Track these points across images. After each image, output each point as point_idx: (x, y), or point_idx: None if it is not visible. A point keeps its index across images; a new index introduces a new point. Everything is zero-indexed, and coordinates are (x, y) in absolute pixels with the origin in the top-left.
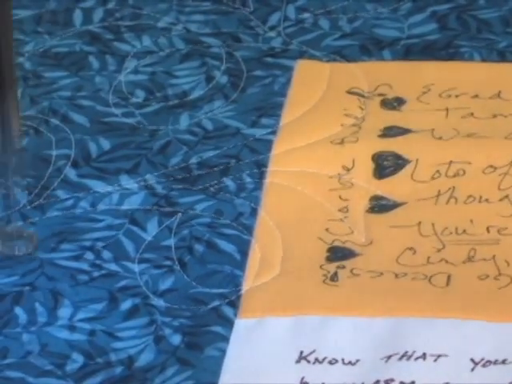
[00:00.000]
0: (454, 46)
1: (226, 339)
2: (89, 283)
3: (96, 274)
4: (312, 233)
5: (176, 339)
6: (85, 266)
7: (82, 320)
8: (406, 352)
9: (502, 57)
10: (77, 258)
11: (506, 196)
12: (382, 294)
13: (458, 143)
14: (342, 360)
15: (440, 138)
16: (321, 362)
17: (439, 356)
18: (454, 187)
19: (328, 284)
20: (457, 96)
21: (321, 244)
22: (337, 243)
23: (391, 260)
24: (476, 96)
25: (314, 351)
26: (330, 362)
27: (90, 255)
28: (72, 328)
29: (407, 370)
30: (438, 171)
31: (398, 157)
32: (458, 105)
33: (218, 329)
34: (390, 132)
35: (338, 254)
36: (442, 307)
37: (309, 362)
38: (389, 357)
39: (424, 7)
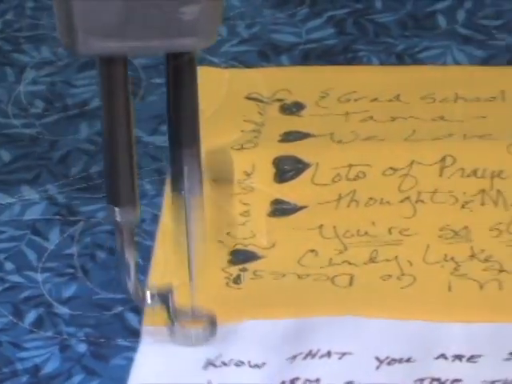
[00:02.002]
0: (351, 50)
1: (131, 348)
2: None
3: None
4: (214, 237)
5: (82, 348)
6: None
7: None
8: (311, 351)
9: (400, 60)
10: None
11: (407, 197)
12: (285, 295)
13: (357, 146)
14: (249, 363)
15: (340, 142)
16: (227, 365)
17: (344, 354)
18: (354, 190)
19: (231, 287)
20: (356, 100)
21: (222, 248)
22: (239, 247)
23: (293, 262)
24: (375, 99)
25: (220, 355)
26: (237, 365)
27: None
28: None
29: (312, 368)
30: (338, 174)
31: (298, 161)
32: (357, 108)
33: (123, 337)
34: (289, 137)
35: (240, 256)
36: (346, 306)
37: (215, 366)
38: (294, 357)
39: (321, 12)
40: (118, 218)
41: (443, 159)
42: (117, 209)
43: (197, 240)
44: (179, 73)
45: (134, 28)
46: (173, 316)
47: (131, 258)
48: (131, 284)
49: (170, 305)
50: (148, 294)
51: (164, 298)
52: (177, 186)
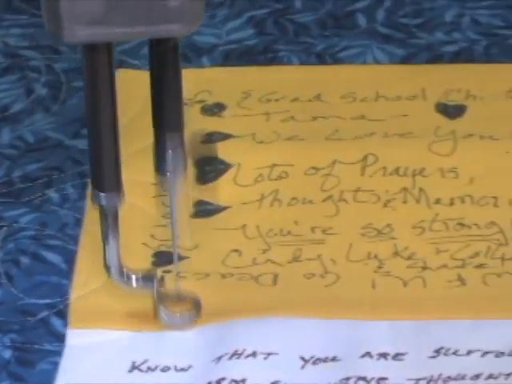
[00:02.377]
0: (272, 50)
1: (57, 353)
2: None
3: None
4: (137, 239)
5: (7, 354)
6: None
7: None
8: (236, 351)
9: (320, 60)
10: None
11: (330, 197)
12: (208, 296)
13: (279, 146)
14: (175, 367)
15: (261, 142)
16: (153, 370)
17: (269, 354)
18: (277, 190)
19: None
20: (276, 100)
21: (146, 250)
22: (162, 248)
23: (217, 262)
24: (296, 99)
25: (146, 360)
26: (163, 370)
27: None
28: None
29: (238, 369)
30: (260, 174)
31: (220, 162)
32: (278, 108)
33: (49, 342)
34: (211, 138)
35: (164, 258)
36: (270, 306)
37: (141, 370)
38: (219, 358)
39: (241, 13)
40: (103, 203)
41: (365, 158)
42: (102, 194)
43: (181, 220)
44: (163, 58)
45: (120, 15)
46: (158, 299)
47: (115, 241)
48: (115, 267)
49: (155, 287)
50: (133, 277)
51: (149, 280)
52: (161, 169)
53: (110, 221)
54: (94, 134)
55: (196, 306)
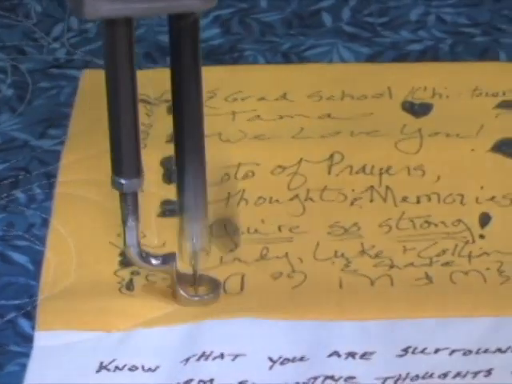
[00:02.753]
0: (237, 49)
1: (25, 354)
2: None
3: None
4: (104, 239)
5: None
6: None
7: None
8: (204, 352)
9: (286, 59)
10: None
11: (296, 196)
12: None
13: (245, 145)
14: (142, 367)
15: (228, 141)
16: (121, 370)
17: (237, 355)
18: (243, 189)
19: (124, 293)
20: (243, 99)
21: (113, 249)
22: None
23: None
24: (262, 98)
25: (114, 360)
26: (130, 370)
27: None
28: None
29: (206, 370)
30: (226, 174)
31: None
32: (245, 108)
33: (17, 343)
34: None
35: None
36: (238, 308)
37: (109, 370)
38: (187, 359)
39: (206, 12)
40: (124, 189)
41: (331, 156)
42: (122, 180)
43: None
44: (182, 34)
45: None
46: (177, 279)
47: (134, 223)
48: (135, 249)
49: (174, 269)
50: (153, 258)
51: (168, 261)
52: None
53: (129, 204)
54: (113, 119)
55: (214, 286)
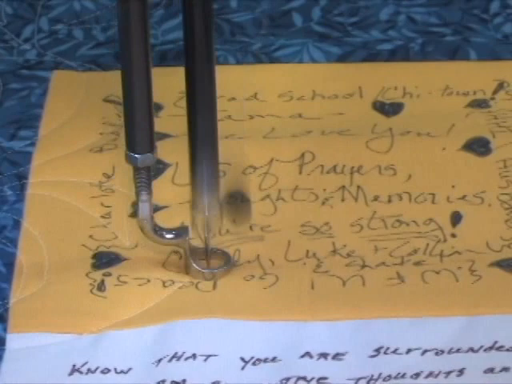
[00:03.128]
0: None
1: None
2: None
3: None
4: (76, 240)
5: None
6: None
7: None
8: (176, 353)
9: (256, 59)
10: None
11: (268, 195)
12: (149, 305)
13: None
14: (115, 369)
15: None
16: (93, 373)
17: (209, 356)
18: None
19: (95, 294)
20: None
21: (85, 251)
22: (101, 249)
23: (158, 265)
24: (232, 98)
25: (86, 363)
26: (103, 372)
27: None
28: None
29: (178, 370)
30: None
31: (157, 161)
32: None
33: None
34: None
35: (103, 259)
36: (210, 309)
37: (81, 373)
38: (159, 360)
39: (177, 13)
40: (138, 163)
41: (302, 156)
42: (136, 155)
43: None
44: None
45: None
46: (189, 253)
47: (148, 198)
48: (149, 223)
49: (187, 243)
50: (166, 232)
51: (181, 234)
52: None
53: (142, 178)
54: (127, 95)
55: (226, 259)
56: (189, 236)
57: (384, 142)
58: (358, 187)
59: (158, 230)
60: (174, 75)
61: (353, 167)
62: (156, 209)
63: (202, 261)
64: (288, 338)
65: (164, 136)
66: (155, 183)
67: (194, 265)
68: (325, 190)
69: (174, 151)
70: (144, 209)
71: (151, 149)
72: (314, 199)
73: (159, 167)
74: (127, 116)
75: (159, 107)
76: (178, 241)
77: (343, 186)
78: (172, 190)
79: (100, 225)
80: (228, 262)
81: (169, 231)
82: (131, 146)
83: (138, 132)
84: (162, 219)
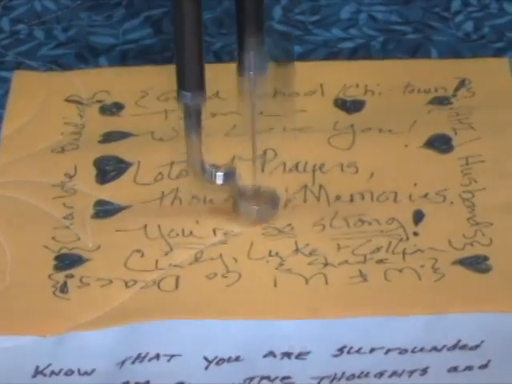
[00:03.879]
0: (169, 49)
1: None
2: None
3: None
4: (38, 242)
5: None
6: None
7: None
8: (140, 354)
9: (217, 58)
10: None
11: (231, 196)
12: (113, 305)
13: (178, 144)
14: (78, 371)
15: (161, 140)
16: (57, 375)
17: (172, 356)
18: (177, 188)
19: (58, 296)
20: (175, 98)
21: (47, 253)
22: (64, 250)
23: (120, 265)
24: None
25: (49, 365)
26: (66, 374)
27: None
28: None
29: (141, 372)
30: (160, 173)
31: (119, 160)
32: (177, 106)
33: None
34: (110, 137)
35: (66, 261)
36: (173, 310)
37: (45, 375)
38: (123, 362)
39: (138, 12)
40: (188, 102)
41: (264, 153)
42: (187, 93)
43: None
44: None
45: None
46: (238, 194)
47: (198, 138)
48: (199, 164)
49: (236, 183)
50: (216, 173)
51: (230, 176)
52: (243, 71)
53: (193, 119)
54: (178, 34)
55: (274, 200)
56: (237, 177)
57: (346, 139)
58: (321, 186)
59: (207, 172)
60: (136, 75)
61: (315, 165)
62: (118, 209)
63: (252, 201)
64: (251, 337)
65: (126, 135)
66: (116, 183)
67: (243, 202)
68: (287, 190)
69: (136, 150)
70: (194, 150)
71: (202, 88)
72: None
73: (121, 166)
74: (178, 54)
75: (120, 106)
76: (228, 183)
77: (305, 186)
78: (134, 190)
79: (62, 226)
80: (276, 202)
81: (219, 174)
82: (182, 84)
83: (189, 69)
84: (124, 220)
